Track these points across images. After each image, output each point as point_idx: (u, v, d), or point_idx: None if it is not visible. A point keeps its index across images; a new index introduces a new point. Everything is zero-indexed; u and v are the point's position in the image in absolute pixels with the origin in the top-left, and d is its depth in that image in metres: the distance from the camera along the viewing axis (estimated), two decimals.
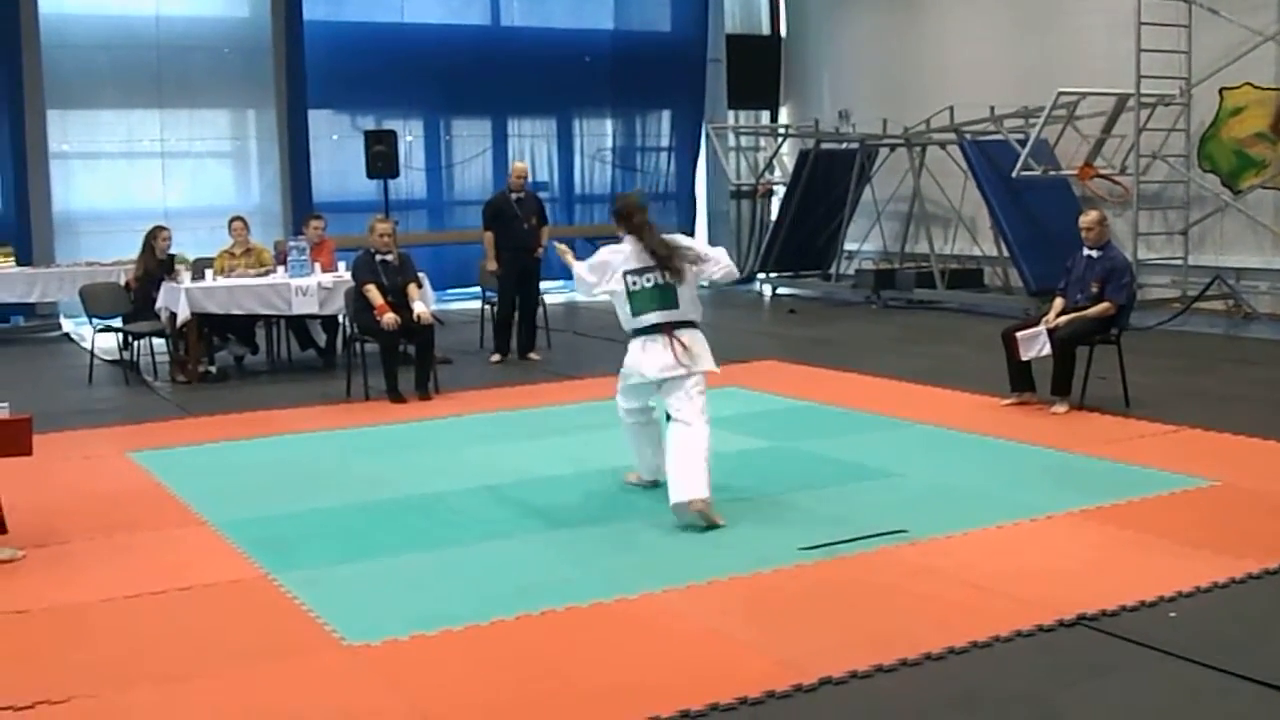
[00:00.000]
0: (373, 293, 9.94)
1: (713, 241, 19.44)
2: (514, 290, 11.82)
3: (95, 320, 11.40)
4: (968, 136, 15.13)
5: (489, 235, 11.78)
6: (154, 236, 11.53)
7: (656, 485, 6.71)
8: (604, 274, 6.57)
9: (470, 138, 17.92)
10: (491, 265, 11.77)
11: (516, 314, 11.92)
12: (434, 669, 4.48)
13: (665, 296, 6.47)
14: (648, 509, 6.53)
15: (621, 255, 6.54)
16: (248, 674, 4.48)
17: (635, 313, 6.49)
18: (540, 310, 12.40)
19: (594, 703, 4.19)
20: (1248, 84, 13.31)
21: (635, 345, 6.53)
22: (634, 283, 6.48)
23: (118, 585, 5.45)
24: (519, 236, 11.69)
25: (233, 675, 4.47)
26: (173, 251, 11.52)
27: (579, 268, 6.69)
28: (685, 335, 6.49)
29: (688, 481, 6.15)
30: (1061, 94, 13.61)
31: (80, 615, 5.13)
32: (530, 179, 17.22)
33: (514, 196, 11.79)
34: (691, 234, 19.30)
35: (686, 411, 6.39)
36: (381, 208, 14.06)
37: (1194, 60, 13.49)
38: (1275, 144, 13.19)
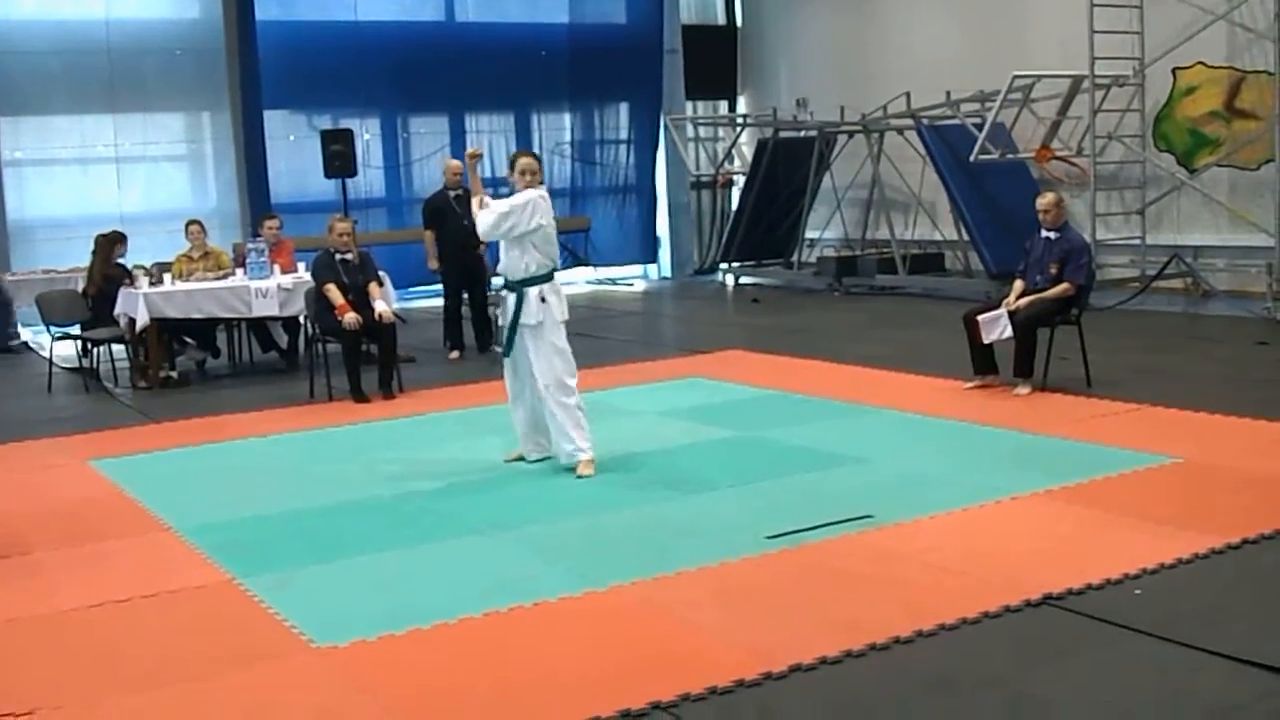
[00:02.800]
0: (333, 292, 9.89)
1: (674, 232, 19.53)
2: (459, 286, 11.93)
3: (53, 328, 11.30)
4: (925, 122, 15.18)
5: (429, 234, 11.84)
6: (111, 243, 11.42)
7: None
8: (535, 213, 7.05)
9: (428, 135, 17.85)
10: (433, 264, 11.85)
11: (467, 310, 12.02)
12: (403, 669, 4.46)
13: None
14: (613, 502, 6.53)
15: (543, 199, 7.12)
16: (216, 680, 4.44)
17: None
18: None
19: (564, 697, 4.18)
20: (1200, 63, 13.42)
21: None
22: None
23: (82, 594, 5.40)
24: (459, 234, 11.62)
25: (201, 681, 4.43)
26: (123, 261, 11.41)
27: (499, 205, 7.13)
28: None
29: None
30: (1016, 77, 13.67)
31: (45, 625, 5.08)
32: (490, 174, 17.25)
33: (452, 194, 11.78)
34: (653, 225, 19.38)
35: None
36: (340, 207, 14.00)
37: (1146, 41, 13.58)
38: (1229, 122, 13.31)
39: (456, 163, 12.19)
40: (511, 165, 7.31)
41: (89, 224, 14.32)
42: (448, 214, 11.72)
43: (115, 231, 11.70)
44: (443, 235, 11.77)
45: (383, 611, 4.98)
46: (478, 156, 7.51)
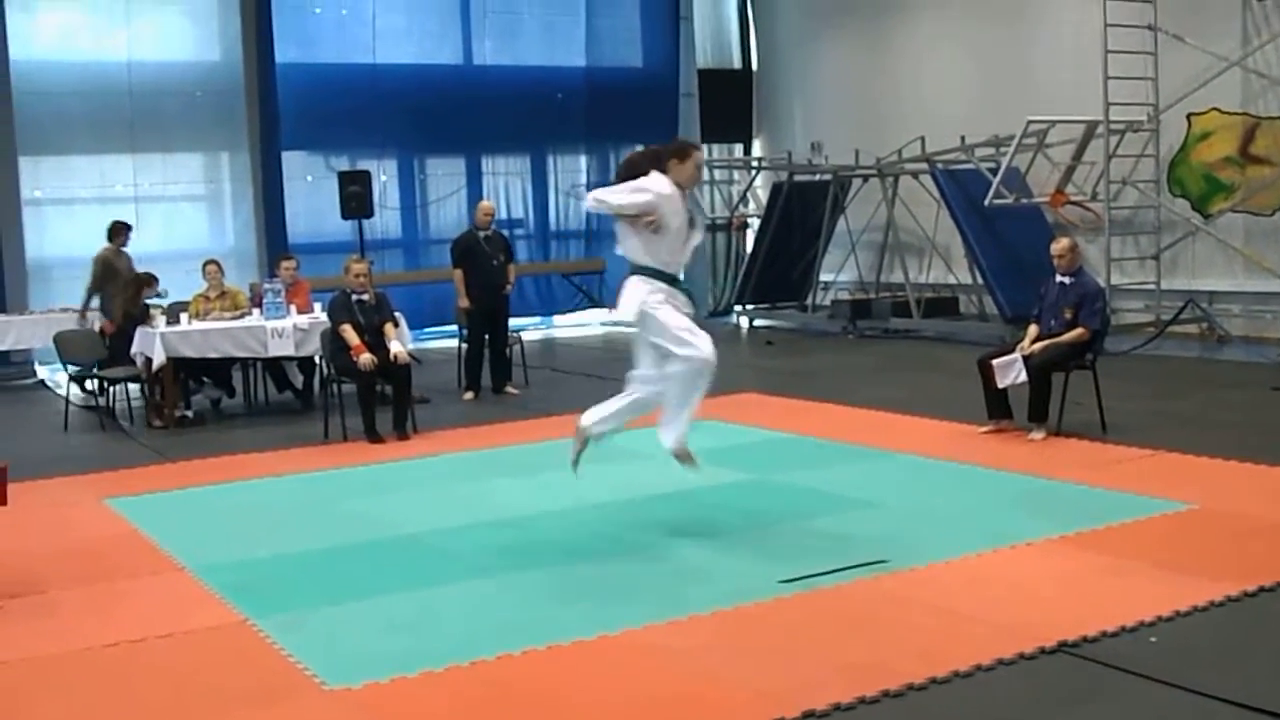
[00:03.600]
0: (349, 333, 9.92)
1: (688, 275, 19.47)
2: (483, 327, 11.91)
3: (70, 367, 11.35)
4: (939, 166, 15.22)
5: (459, 273, 11.84)
6: (141, 284, 11.50)
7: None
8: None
9: (444, 176, 17.93)
10: (464, 302, 11.83)
11: (487, 351, 11.99)
12: (415, 711, 4.46)
13: None
14: (628, 544, 6.52)
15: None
16: None
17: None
18: (518, 347, 12.50)
19: None
20: (1214, 109, 13.45)
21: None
22: None
23: (96, 634, 5.40)
24: (487, 274, 11.77)
25: None
26: (150, 300, 11.51)
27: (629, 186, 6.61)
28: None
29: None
30: (1031, 122, 13.72)
31: (58, 665, 5.08)
32: (506, 216, 17.32)
33: (481, 235, 11.88)
34: None
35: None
36: (357, 248, 14.07)
37: (1161, 86, 13.63)
38: (1243, 168, 13.33)
39: (489, 204, 12.28)
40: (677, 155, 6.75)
41: None
42: (477, 254, 11.79)
43: (147, 273, 11.76)
44: (471, 275, 11.81)
45: (395, 653, 4.98)
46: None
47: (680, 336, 6.50)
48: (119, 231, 12.98)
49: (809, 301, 17.36)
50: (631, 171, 6.69)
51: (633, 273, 6.64)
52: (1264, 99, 13.09)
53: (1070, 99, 14.22)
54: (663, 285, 6.60)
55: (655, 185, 6.55)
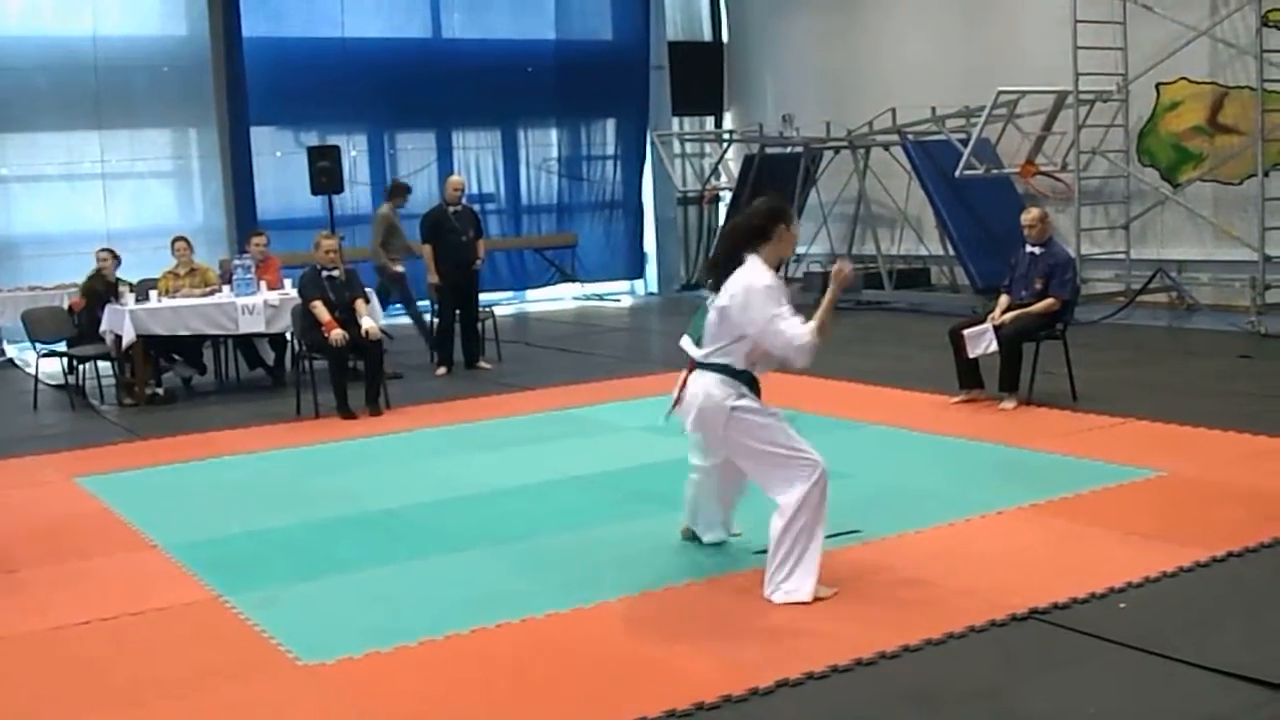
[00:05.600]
0: (320, 309, 9.89)
1: (661, 248, 19.48)
2: (454, 302, 11.88)
3: (39, 345, 11.28)
4: (910, 137, 15.23)
5: (428, 248, 11.80)
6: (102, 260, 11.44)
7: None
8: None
9: (415, 151, 17.86)
10: (433, 278, 11.80)
11: (458, 325, 11.99)
12: (390, 686, 4.46)
13: (699, 323, 5.56)
14: (602, 517, 6.53)
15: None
16: (203, 698, 4.43)
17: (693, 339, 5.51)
18: (491, 322, 12.49)
19: (551, 714, 4.18)
20: (1183, 79, 13.50)
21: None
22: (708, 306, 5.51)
23: (69, 612, 5.38)
24: (457, 250, 11.75)
25: (187, 699, 4.42)
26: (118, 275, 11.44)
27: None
28: (695, 378, 5.43)
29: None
30: (1001, 93, 13.73)
31: (31, 643, 5.06)
32: (476, 190, 17.26)
33: (451, 210, 11.84)
34: (640, 241, 19.38)
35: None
36: (327, 223, 13.98)
37: (1130, 56, 13.66)
38: (1212, 137, 13.38)
39: (459, 178, 12.24)
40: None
41: (75, 240, 14.42)
42: (446, 229, 11.75)
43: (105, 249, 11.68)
44: (441, 251, 11.77)
45: (369, 628, 4.98)
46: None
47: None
48: (399, 192, 13.19)
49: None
50: (735, 247, 5.67)
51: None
52: (1232, 68, 13.13)
53: (1040, 69, 14.23)
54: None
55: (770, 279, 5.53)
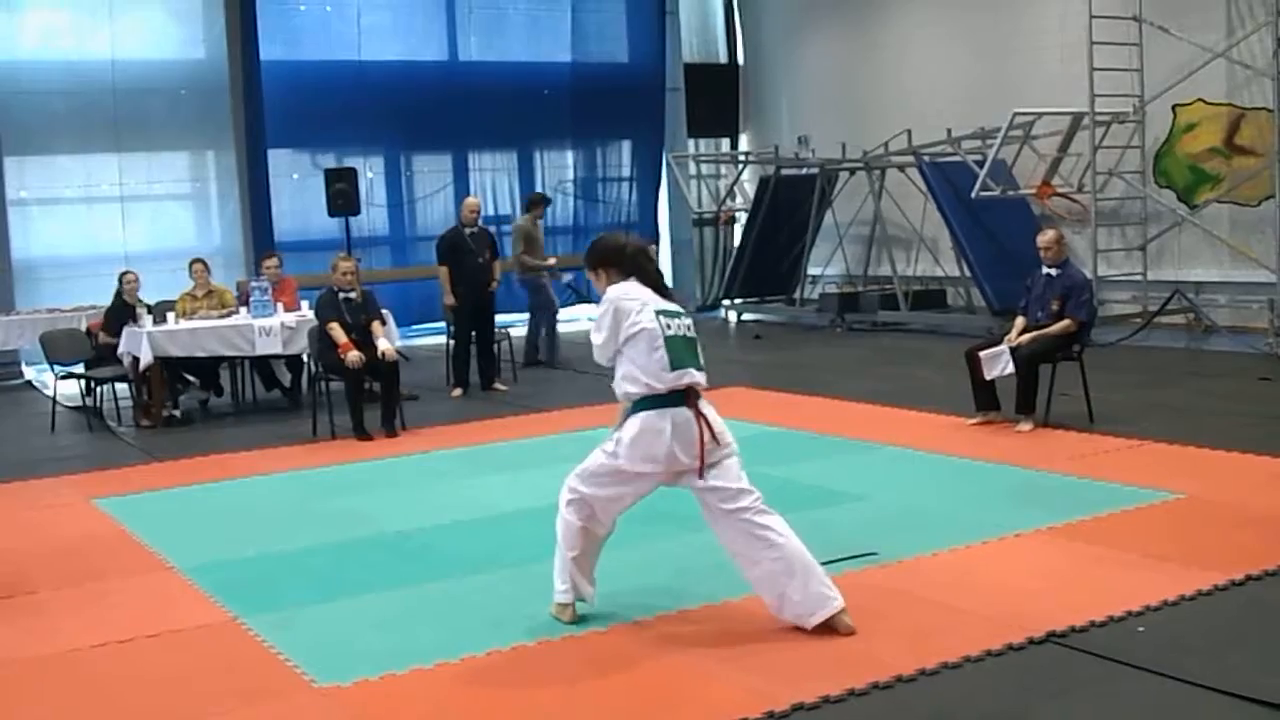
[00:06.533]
0: (336, 331, 9.91)
1: (676, 269, 19.50)
2: (469, 324, 11.90)
3: (57, 367, 11.32)
4: (926, 158, 15.23)
5: (444, 270, 11.83)
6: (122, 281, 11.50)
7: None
8: (621, 321, 5.02)
9: (431, 173, 17.90)
10: (450, 299, 11.82)
11: (474, 347, 12.00)
12: (406, 708, 4.45)
13: (694, 351, 5.10)
14: (616, 540, 6.51)
15: (637, 292, 5.09)
16: None
17: (674, 365, 4.97)
18: (506, 343, 12.52)
19: None
20: (1199, 100, 13.48)
21: (653, 417, 4.98)
22: (668, 325, 5.00)
23: (85, 634, 5.39)
24: (473, 271, 11.80)
25: None
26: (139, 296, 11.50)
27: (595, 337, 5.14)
28: (707, 408, 5.14)
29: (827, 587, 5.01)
30: (1017, 114, 13.73)
31: (47, 666, 5.07)
32: (493, 212, 17.30)
33: (468, 232, 11.89)
34: (657, 262, 19.37)
35: (749, 499, 5.10)
36: (344, 245, 14.04)
37: (1146, 78, 13.65)
38: (1229, 158, 13.35)
39: (475, 200, 12.29)
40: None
41: (93, 263, 14.48)
42: (463, 251, 11.79)
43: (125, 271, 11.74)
44: (457, 272, 11.80)
45: (385, 650, 4.98)
46: None
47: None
48: (537, 203, 13.99)
49: (797, 295, 17.38)
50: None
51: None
52: (1248, 90, 13.10)
53: (1056, 91, 14.23)
54: None
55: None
